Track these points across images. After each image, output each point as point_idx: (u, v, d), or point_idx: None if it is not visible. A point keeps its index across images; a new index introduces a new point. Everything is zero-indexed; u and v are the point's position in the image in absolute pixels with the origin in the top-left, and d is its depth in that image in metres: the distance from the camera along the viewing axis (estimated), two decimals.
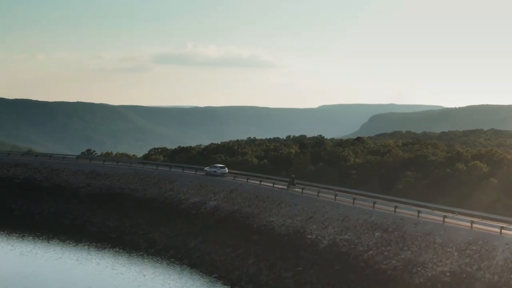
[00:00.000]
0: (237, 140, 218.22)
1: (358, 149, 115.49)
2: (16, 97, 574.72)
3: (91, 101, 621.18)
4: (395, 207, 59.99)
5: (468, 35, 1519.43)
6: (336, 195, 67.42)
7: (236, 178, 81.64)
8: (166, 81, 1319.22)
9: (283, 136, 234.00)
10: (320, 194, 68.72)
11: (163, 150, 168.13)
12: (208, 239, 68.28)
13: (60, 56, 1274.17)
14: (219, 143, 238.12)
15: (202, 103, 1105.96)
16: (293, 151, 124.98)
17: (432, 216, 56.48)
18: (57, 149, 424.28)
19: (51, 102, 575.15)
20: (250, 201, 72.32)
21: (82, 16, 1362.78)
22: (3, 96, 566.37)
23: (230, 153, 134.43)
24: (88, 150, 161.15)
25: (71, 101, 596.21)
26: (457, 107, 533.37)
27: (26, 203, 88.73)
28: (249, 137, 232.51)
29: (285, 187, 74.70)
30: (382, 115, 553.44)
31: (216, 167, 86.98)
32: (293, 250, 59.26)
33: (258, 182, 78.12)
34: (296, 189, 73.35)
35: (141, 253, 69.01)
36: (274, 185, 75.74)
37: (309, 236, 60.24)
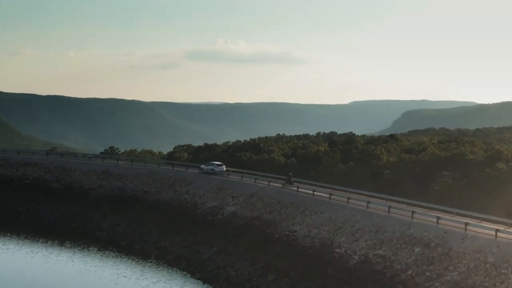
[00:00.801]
0: (266, 136, 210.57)
1: (391, 147, 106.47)
2: (50, 94, 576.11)
3: (123, 98, 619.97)
4: (438, 217, 50.87)
5: (502, 34, 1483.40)
6: (368, 202, 58.48)
7: (257, 181, 73.19)
8: (197, 78, 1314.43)
9: (313, 132, 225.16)
10: (332, 197, 59.93)
11: (188, 148, 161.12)
12: (224, 250, 60.06)
13: (92, 53, 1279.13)
14: (247, 139, 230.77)
15: (232, 100, 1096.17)
16: (322, 149, 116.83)
17: (482, 229, 47.24)
18: (89, 145, 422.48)
19: (84, 98, 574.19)
20: (271, 207, 63.85)
21: (115, 13, 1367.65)
22: (37, 93, 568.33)
23: (255, 150, 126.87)
24: (111, 148, 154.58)
25: (104, 97, 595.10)
26: (490, 103, 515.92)
27: (34, 205, 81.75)
28: (278, 134, 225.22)
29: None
30: (414, 111, 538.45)
31: (213, 164, 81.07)
32: (319, 267, 50.70)
33: (281, 185, 69.74)
34: (293, 188, 67.94)
35: (150, 263, 61.12)
36: (299, 189, 67.26)
37: (337, 250, 51.62)
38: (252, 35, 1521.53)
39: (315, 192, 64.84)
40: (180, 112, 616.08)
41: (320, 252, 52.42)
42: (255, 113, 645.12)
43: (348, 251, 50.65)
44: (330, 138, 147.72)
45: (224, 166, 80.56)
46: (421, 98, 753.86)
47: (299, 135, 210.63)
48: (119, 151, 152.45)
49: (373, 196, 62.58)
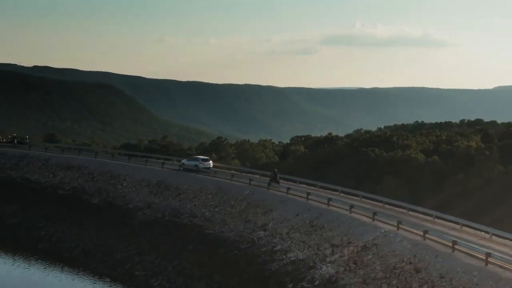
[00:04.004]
0: (402, 124, 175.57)
1: None
2: (188, 80, 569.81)
3: (258, 83, 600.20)
4: None
5: None
6: None
7: (375, 218, 40.78)
8: (333, 63, 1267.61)
9: (455, 119, 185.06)
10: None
11: (306, 139, 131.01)
12: None
13: (232, 40, 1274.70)
14: (381, 127, 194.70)
15: (368, 85, 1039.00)
16: (474, 144, 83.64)
17: None
18: (225, 130, 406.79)
19: (220, 84, 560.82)
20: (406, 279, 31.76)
21: (254, 0, 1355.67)
22: (177, 79, 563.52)
23: (387, 145, 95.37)
24: (219, 138, 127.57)
25: (239, 83, 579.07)
26: None
27: (60, 229, 55.28)
28: (416, 121, 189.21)
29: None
30: None
31: (197, 159, 61.81)
32: None
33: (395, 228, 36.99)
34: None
35: None
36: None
37: None
38: (391, 18, 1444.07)
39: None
40: (314, 97, 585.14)
41: None
42: (391, 99, 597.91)
43: None
44: (483, 130, 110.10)
45: (211, 162, 61.62)
46: None
47: (440, 122, 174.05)
48: (227, 142, 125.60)
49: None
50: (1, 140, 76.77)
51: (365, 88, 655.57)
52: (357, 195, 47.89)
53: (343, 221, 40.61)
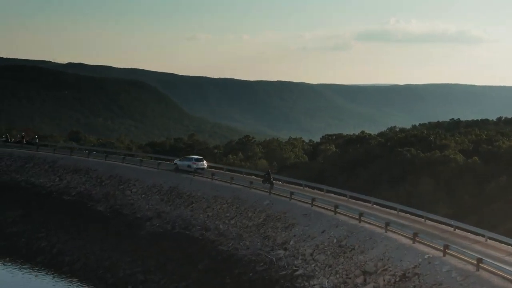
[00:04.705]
0: (438, 121, 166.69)
1: None
2: (220, 76, 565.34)
3: (291, 80, 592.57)
4: None
5: None
6: None
7: (416, 240, 33.64)
8: (366, 59, 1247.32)
9: (492, 117, 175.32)
10: None
11: (337, 137, 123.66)
12: None
13: (265, 36, 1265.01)
14: (415, 124, 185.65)
15: (402, 81, 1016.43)
16: None
17: None
18: (257, 127, 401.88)
19: (252, 81, 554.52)
20: None
21: None
22: (210, 76, 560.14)
23: (424, 145, 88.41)
24: (246, 137, 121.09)
25: (272, 80, 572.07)
26: None
27: (63, 240, 49.45)
28: (452, 118, 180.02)
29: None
30: None
31: (190, 159, 57.42)
32: None
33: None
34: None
35: None
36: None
37: None
38: (426, 13, 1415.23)
39: None
40: (347, 94, 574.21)
41: None
42: (426, 95, 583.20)
43: None
44: None
45: (205, 162, 57.11)
46: None
47: (476, 120, 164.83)
48: (254, 140, 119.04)
49: None
50: (10, 140, 71.65)
51: (399, 85, 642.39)
52: (394, 208, 40.83)
53: (377, 242, 33.60)
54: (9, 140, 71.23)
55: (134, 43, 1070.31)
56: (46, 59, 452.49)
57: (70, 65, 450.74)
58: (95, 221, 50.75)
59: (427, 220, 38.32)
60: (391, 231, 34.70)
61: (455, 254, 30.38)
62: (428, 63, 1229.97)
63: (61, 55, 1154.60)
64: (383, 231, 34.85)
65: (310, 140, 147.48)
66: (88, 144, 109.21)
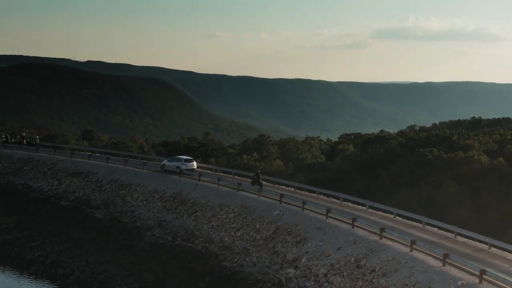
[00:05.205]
0: (459, 120, 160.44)
1: None
2: (239, 74, 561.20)
3: (309, 78, 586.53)
4: None
5: None
6: None
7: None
8: (385, 57, 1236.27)
9: None
10: None
11: (356, 137, 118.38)
12: None
13: (283, 34, 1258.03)
14: (436, 123, 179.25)
15: (422, 79, 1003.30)
16: None
17: None
18: (275, 125, 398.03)
19: (270, 79, 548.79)
20: None
21: None
22: (228, 74, 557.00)
23: (446, 145, 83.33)
24: (262, 136, 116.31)
25: (290, 78, 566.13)
26: None
27: (57, 249, 45.36)
28: (473, 117, 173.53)
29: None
30: None
31: (179, 160, 54.31)
32: None
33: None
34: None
35: None
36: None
37: None
38: (445, 11, 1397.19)
39: None
40: (366, 92, 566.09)
41: None
42: (446, 93, 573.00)
43: None
44: None
45: (194, 162, 54.19)
46: None
47: (498, 118, 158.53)
48: (269, 140, 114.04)
49: None
50: (10, 140, 67.87)
51: (419, 83, 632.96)
52: (419, 221, 35.93)
53: (401, 263, 28.78)
54: (9, 140, 67.53)
55: (153, 41, 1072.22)
56: (66, 57, 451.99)
57: (90, 63, 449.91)
58: (93, 229, 46.58)
59: (457, 236, 33.40)
60: (417, 249, 29.87)
61: (493, 281, 25.51)
62: (448, 60, 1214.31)
63: (81, 53, 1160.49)
64: (408, 249, 30.03)
65: (328, 139, 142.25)
66: (100, 143, 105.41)
